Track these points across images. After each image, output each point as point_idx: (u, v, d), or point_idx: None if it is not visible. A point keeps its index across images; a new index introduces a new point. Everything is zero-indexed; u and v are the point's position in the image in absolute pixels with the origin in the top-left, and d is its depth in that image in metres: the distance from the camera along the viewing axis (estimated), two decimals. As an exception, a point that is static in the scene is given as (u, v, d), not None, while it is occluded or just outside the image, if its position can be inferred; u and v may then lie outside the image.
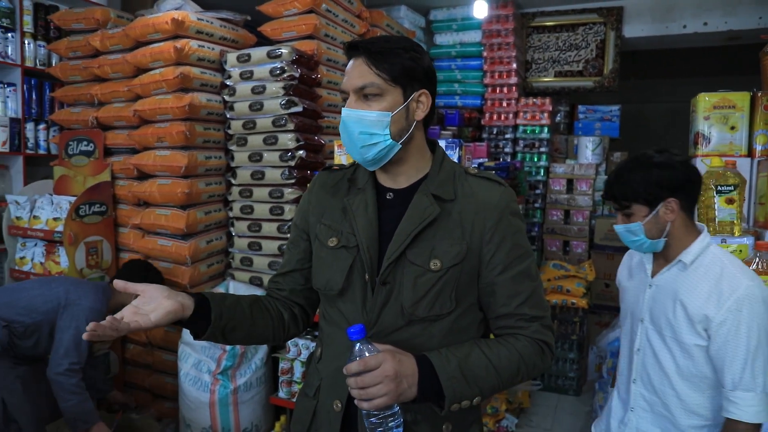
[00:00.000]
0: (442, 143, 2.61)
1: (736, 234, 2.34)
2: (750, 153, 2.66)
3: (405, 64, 1.13)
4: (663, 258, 1.64)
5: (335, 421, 1.19)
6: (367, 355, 1.01)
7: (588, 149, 4.53)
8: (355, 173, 1.27)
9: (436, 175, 1.19)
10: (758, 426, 1.46)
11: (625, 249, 1.89)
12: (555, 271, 4.19)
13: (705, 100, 2.72)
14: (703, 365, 1.52)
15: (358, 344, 1.01)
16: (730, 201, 2.37)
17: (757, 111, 2.62)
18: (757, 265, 2.11)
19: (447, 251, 1.13)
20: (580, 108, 4.99)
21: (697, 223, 1.64)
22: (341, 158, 2.57)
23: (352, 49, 1.16)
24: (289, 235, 1.97)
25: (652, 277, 1.66)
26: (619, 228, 1.64)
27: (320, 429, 1.23)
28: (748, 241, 2.29)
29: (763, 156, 2.57)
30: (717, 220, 2.39)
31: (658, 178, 1.54)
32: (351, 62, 1.16)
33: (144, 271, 2.59)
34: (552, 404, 3.84)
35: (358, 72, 1.13)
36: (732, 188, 2.36)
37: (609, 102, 5.12)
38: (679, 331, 1.54)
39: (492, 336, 1.22)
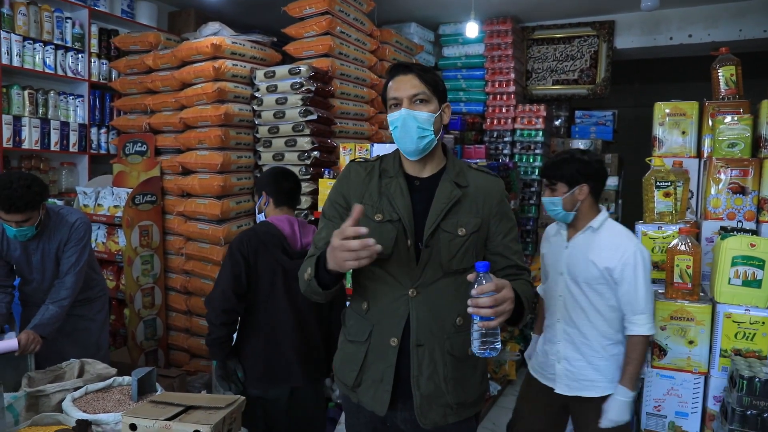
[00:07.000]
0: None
1: (672, 222, 2.80)
2: (698, 154, 3.08)
3: (438, 81, 1.51)
4: (573, 228, 2.20)
5: (392, 354, 1.50)
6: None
7: (580, 151, 4.96)
8: (382, 164, 1.58)
9: (452, 168, 1.55)
10: (648, 337, 2.08)
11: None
12: (546, 260, 4.65)
13: (660, 108, 3.15)
14: (610, 299, 2.09)
15: (483, 275, 1.23)
16: (667, 194, 2.82)
17: (705, 118, 3.05)
18: (679, 245, 2.57)
19: (468, 222, 1.50)
20: (577, 113, 5.42)
21: (600, 206, 2.20)
22: (345, 158, 3.12)
23: (405, 68, 1.49)
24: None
25: (568, 241, 2.20)
26: (546, 199, 2.20)
27: (373, 364, 1.53)
28: (677, 228, 2.74)
29: (709, 157, 3.00)
30: (656, 210, 2.84)
31: (578, 167, 2.11)
32: (399, 78, 1.48)
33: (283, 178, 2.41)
34: (538, 377, 4.29)
35: (410, 84, 1.46)
36: (669, 184, 2.81)
37: (605, 107, 5.55)
38: (591, 278, 2.10)
39: None
